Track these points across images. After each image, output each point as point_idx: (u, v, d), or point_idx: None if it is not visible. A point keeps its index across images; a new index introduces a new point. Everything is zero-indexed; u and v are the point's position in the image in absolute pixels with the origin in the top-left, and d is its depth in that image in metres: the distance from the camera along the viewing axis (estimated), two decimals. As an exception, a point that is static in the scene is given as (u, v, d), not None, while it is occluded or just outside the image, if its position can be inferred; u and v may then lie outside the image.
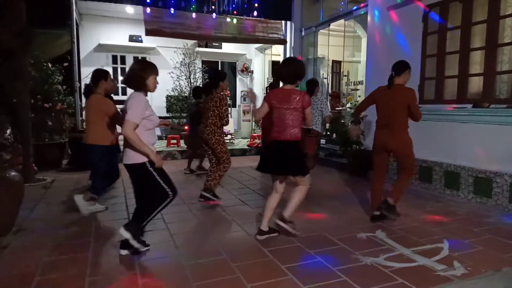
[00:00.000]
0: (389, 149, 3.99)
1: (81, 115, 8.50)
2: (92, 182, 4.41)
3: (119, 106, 3.89)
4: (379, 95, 4.02)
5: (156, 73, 3.13)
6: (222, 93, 4.82)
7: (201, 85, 9.18)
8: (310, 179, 3.58)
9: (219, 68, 12.64)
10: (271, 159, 3.49)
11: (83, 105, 5.16)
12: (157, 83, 3.17)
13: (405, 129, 3.91)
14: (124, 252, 3.16)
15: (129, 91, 3.16)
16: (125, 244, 3.14)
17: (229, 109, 10.98)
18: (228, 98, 11.20)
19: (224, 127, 4.93)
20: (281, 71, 3.51)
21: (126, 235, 3.08)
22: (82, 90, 5.11)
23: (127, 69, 3.68)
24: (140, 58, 11.37)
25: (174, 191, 3.18)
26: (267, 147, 3.81)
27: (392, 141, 3.90)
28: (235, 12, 8.90)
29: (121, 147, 3.30)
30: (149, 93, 3.18)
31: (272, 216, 3.60)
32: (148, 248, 3.21)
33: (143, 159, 3.03)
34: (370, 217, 4.12)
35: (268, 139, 3.73)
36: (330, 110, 5.59)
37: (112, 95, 4.63)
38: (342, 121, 7.96)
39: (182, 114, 10.93)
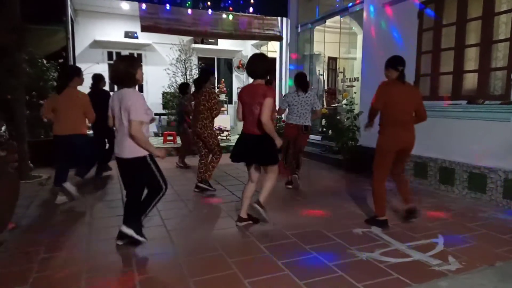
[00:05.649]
0: (407, 148, 3.76)
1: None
2: None
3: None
4: (394, 91, 3.63)
5: (141, 65, 3.21)
6: (210, 88, 5.04)
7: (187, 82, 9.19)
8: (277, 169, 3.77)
9: (216, 65, 12.64)
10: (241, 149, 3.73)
11: None
12: (143, 73, 3.28)
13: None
14: (120, 242, 3.24)
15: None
16: (121, 235, 3.22)
17: (225, 104, 11.11)
18: (224, 95, 11.27)
19: (220, 124, 4.99)
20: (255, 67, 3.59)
21: (129, 231, 3.18)
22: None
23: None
24: (135, 54, 11.34)
25: (166, 185, 3.29)
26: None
27: (411, 139, 3.73)
28: (231, 8, 8.88)
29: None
30: (145, 90, 3.23)
31: (249, 204, 3.80)
32: (146, 239, 3.29)
33: (144, 152, 3.10)
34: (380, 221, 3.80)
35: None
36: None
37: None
38: (338, 117, 7.99)
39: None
